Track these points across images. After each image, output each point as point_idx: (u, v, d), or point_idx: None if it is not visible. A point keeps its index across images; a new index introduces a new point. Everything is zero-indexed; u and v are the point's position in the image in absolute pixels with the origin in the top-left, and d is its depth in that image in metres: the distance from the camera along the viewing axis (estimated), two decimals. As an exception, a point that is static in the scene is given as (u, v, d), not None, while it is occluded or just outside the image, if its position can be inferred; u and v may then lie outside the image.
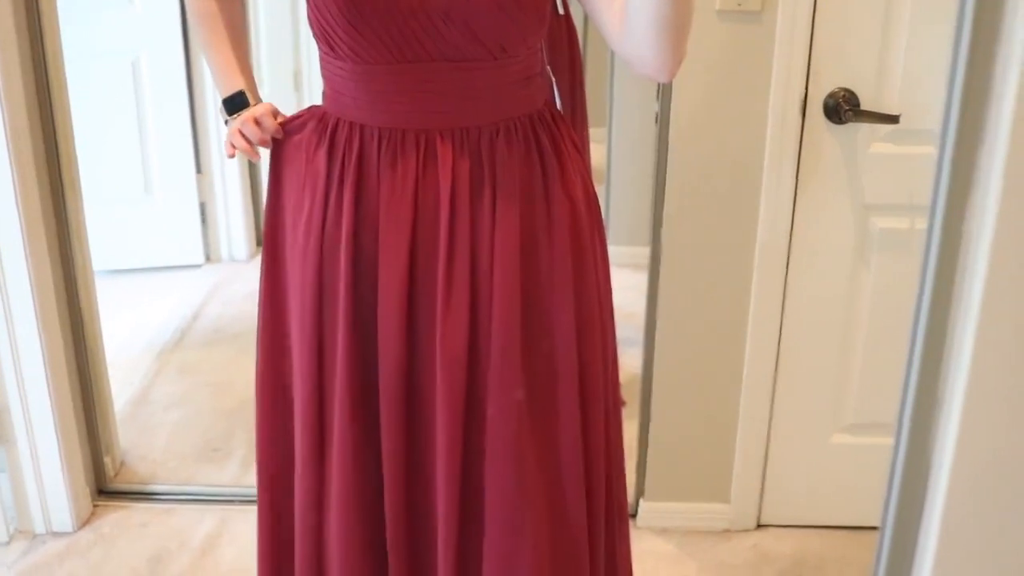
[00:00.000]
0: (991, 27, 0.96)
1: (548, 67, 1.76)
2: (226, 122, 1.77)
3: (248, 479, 2.82)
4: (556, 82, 1.93)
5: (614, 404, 1.84)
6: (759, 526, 2.69)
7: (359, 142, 1.62)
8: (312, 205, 1.65)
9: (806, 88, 2.31)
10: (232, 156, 1.77)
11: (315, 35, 1.62)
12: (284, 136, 1.73)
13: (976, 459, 1.05)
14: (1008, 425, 1.06)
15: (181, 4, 4.04)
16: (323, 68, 1.66)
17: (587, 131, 3.13)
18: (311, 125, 1.69)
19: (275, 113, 1.75)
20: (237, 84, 1.77)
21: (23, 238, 2.41)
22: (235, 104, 1.76)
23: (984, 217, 0.96)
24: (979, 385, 1.02)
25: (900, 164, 2.35)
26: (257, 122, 1.72)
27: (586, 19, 2.57)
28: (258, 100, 1.79)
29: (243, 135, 1.73)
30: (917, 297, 1.06)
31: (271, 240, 1.77)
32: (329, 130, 1.65)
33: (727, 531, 2.68)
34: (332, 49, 1.59)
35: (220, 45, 1.77)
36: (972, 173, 0.97)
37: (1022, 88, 0.93)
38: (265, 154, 1.78)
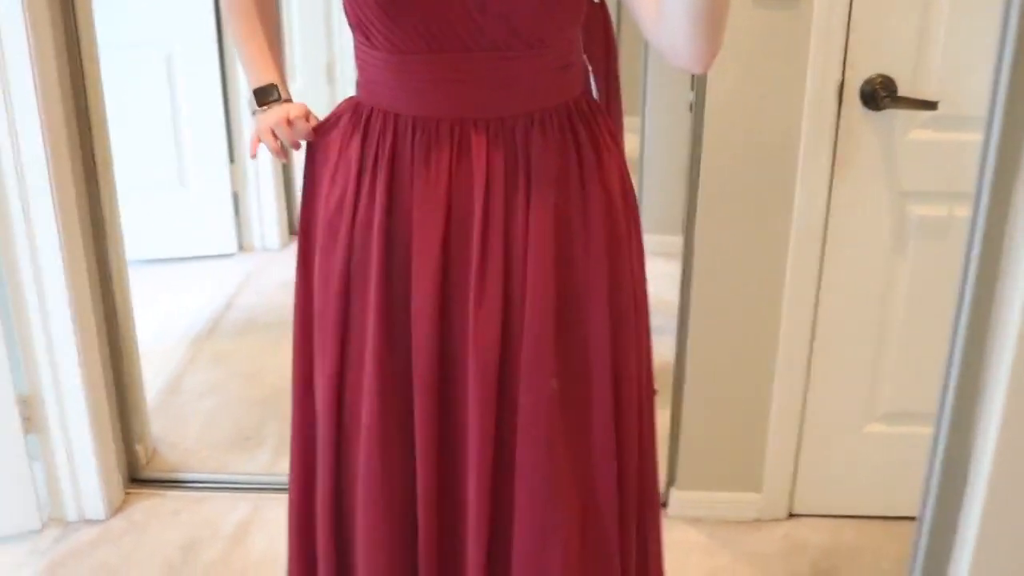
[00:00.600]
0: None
1: (584, 56, 1.74)
2: (253, 113, 1.76)
3: (279, 467, 2.82)
4: (592, 71, 1.91)
5: (647, 394, 1.82)
6: (791, 515, 2.67)
7: (393, 132, 1.60)
8: (344, 193, 1.64)
9: (842, 74, 2.28)
10: (254, 156, 1.75)
11: (351, 24, 1.60)
12: (319, 135, 1.71)
13: (1018, 449, 1.03)
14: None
15: (214, -6, 4.06)
16: (357, 58, 1.65)
17: (622, 120, 3.11)
18: (346, 117, 1.68)
19: (308, 116, 1.73)
20: (269, 76, 1.75)
21: (57, 228, 2.43)
22: (266, 95, 1.74)
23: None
24: (1022, 375, 1.00)
25: (938, 151, 2.32)
26: (290, 123, 1.71)
27: (620, 7, 2.55)
28: (288, 96, 1.77)
29: (274, 135, 1.72)
30: (959, 285, 1.04)
31: (305, 235, 1.76)
32: (363, 120, 1.64)
33: (758, 520, 2.66)
34: (368, 39, 1.58)
35: (253, 38, 1.76)
36: (1019, 160, 0.95)
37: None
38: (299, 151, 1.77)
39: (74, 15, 2.45)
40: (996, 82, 0.95)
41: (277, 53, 1.79)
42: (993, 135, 0.96)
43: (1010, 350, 1.00)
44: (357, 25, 1.58)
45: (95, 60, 2.56)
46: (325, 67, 4.65)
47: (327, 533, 1.77)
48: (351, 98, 1.70)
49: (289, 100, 1.76)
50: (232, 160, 4.32)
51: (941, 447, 1.09)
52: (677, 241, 2.52)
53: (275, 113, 1.72)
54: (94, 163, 2.56)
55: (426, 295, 1.61)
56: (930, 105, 2.24)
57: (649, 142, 3.97)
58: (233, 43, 1.83)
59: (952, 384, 1.07)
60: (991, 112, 0.96)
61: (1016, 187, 0.96)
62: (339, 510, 1.76)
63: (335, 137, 1.68)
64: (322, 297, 1.70)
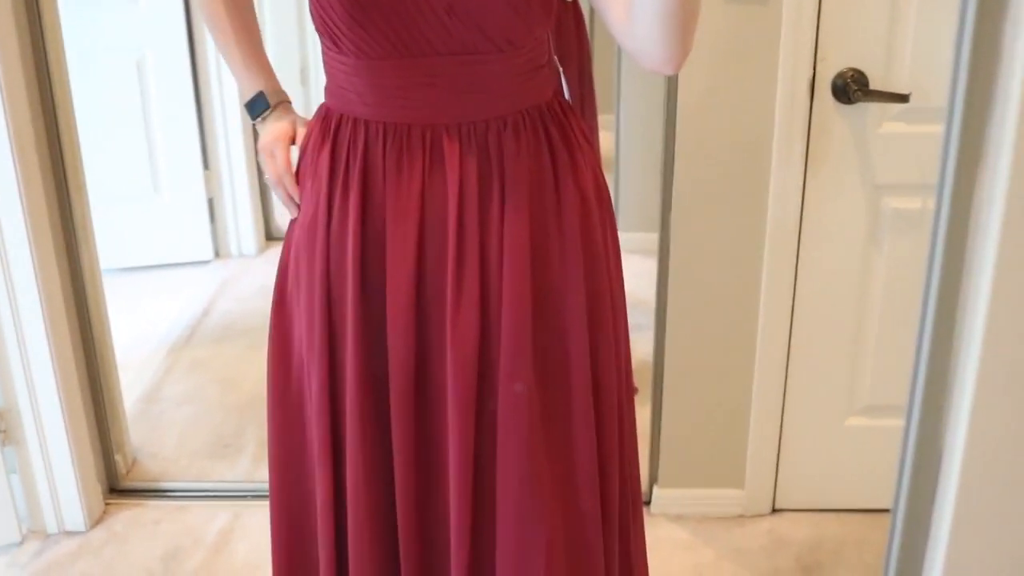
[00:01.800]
0: (996, 6, 0.94)
1: (555, 57, 1.73)
2: (255, 127, 1.75)
3: (260, 474, 2.81)
4: (564, 71, 1.90)
5: (627, 393, 1.82)
6: (774, 511, 2.68)
7: (364, 139, 1.59)
8: (317, 205, 1.63)
9: (814, 69, 2.28)
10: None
11: (318, 30, 1.59)
12: (300, 159, 1.70)
13: (988, 440, 1.03)
14: (1020, 405, 1.04)
15: (185, 1, 4.04)
16: (326, 64, 1.63)
17: (596, 119, 3.11)
18: (316, 128, 1.66)
19: (290, 137, 1.72)
20: (255, 85, 1.74)
21: (29, 239, 2.41)
22: (256, 108, 1.74)
23: (993, 195, 0.94)
24: (990, 365, 1.00)
25: (911, 143, 2.33)
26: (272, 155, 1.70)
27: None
28: (280, 97, 1.76)
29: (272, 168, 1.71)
30: (926, 278, 1.04)
31: (287, 248, 1.75)
32: (332, 128, 1.62)
33: (742, 516, 2.66)
34: (335, 44, 1.56)
35: (232, 46, 1.74)
36: (980, 151, 0.95)
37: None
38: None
39: (40, 21, 2.43)
40: (956, 73, 0.95)
41: (259, 54, 1.77)
42: (954, 126, 0.96)
43: (977, 340, 1.00)
44: (324, 31, 1.56)
45: (63, 67, 2.54)
46: (299, 71, 4.64)
47: (328, 540, 1.75)
48: (320, 106, 1.68)
49: (282, 102, 1.76)
50: (206, 166, 4.30)
51: (912, 439, 1.10)
52: (654, 238, 2.52)
53: (269, 132, 1.72)
54: (64, 172, 2.54)
55: (402, 304, 1.60)
56: (902, 98, 2.25)
57: (624, 139, 3.97)
58: (218, 52, 1.82)
59: (921, 377, 1.08)
60: (951, 103, 0.96)
61: (979, 178, 0.96)
62: (339, 517, 1.74)
63: (306, 150, 1.67)
64: (306, 307, 1.68)
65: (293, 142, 1.72)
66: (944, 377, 1.10)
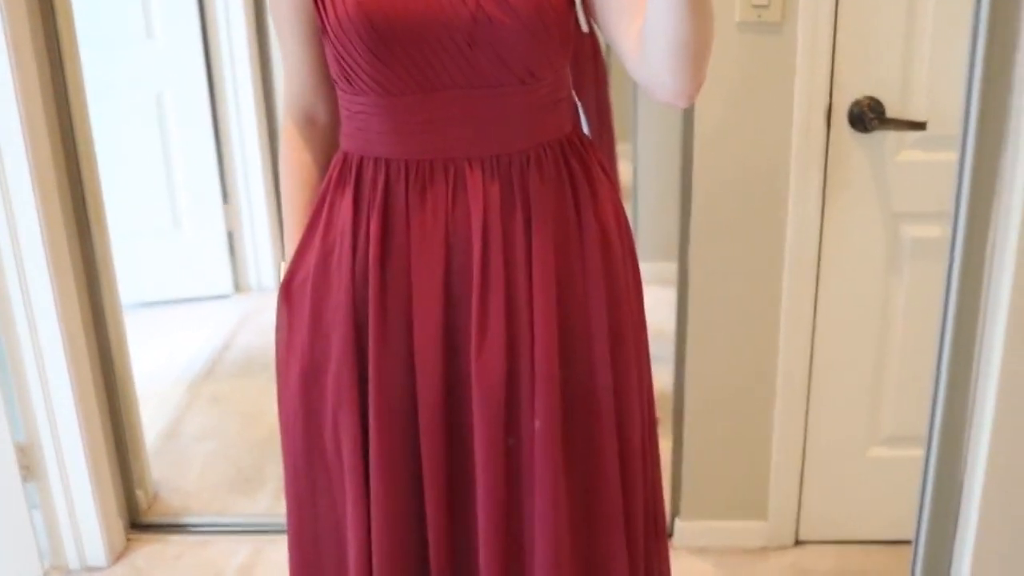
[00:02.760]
0: (1007, 34, 0.94)
1: (573, 91, 1.73)
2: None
3: (281, 508, 2.78)
4: (582, 102, 1.90)
5: (650, 425, 1.81)
6: (797, 543, 2.66)
7: (384, 177, 1.58)
8: (339, 241, 1.61)
9: (830, 98, 2.28)
10: None
11: (333, 73, 1.59)
12: (318, 204, 1.68)
13: (1008, 469, 1.02)
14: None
15: (203, 36, 4.07)
16: (342, 107, 1.62)
17: (615, 150, 3.11)
18: (334, 173, 1.64)
19: None
20: None
21: (50, 274, 2.42)
22: None
23: (1008, 223, 0.93)
24: (1009, 395, 1.00)
25: (929, 171, 2.32)
26: None
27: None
28: None
29: None
30: (942, 309, 1.04)
31: (287, 294, 1.73)
32: (354, 169, 1.61)
33: (765, 548, 2.64)
34: (352, 84, 1.55)
35: (301, 207, 1.73)
36: (994, 181, 0.95)
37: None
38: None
39: (60, 59, 2.46)
40: (968, 101, 0.95)
41: None
42: (967, 155, 0.96)
43: (996, 370, 0.99)
44: (340, 72, 1.56)
45: (84, 106, 2.57)
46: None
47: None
48: (337, 154, 1.67)
49: None
50: (226, 200, 4.32)
51: (932, 470, 1.09)
52: (672, 268, 2.51)
53: None
54: (85, 207, 2.56)
55: (430, 341, 1.58)
56: (919, 126, 2.24)
57: (642, 169, 3.97)
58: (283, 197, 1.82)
59: (940, 408, 1.07)
60: (964, 131, 0.96)
61: (994, 207, 0.96)
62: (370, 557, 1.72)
63: (323, 196, 1.66)
64: (337, 340, 1.64)
65: None
66: (963, 408, 1.10)
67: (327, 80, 1.65)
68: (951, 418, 1.12)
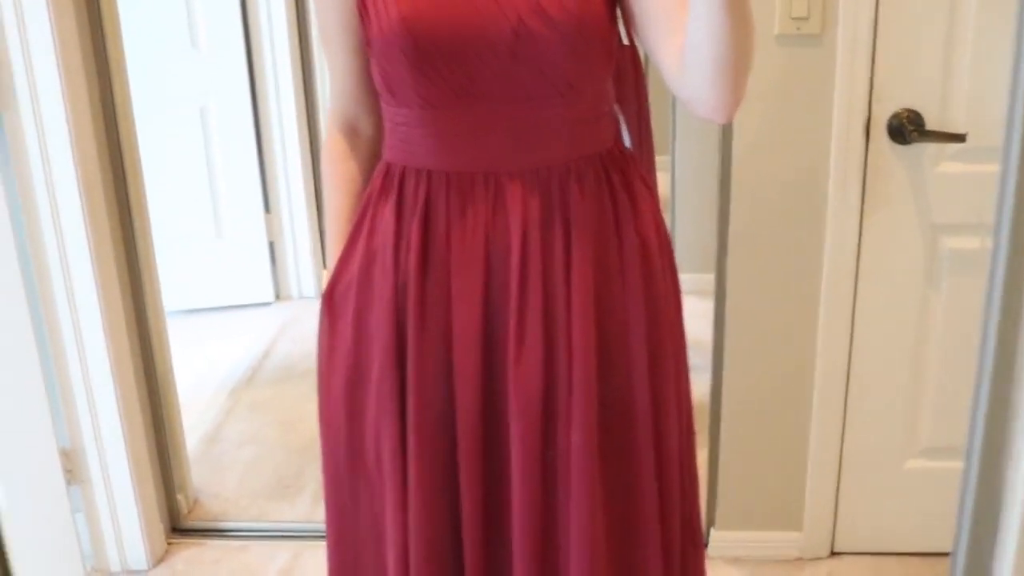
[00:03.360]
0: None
1: (615, 105, 1.74)
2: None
3: (319, 514, 2.82)
4: (623, 114, 1.91)
5: (688, 436, 1.81)
6: (833, 554, 2.65)
7: (426, 188, 1.59)
8: (383, 250, 1.63)
9: (869, 110, 2.28)
10: None
11: (377, 85, 1.60)
12: (361, 215, 1.71)
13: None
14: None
15: (247, 49, 4.13)
16: (386, 118, 1.63)
17: (654, 162, 3.11)
18: (376, 183, 1.66)
19: None
20: None
21: (95, 282, 2.46)
22: None
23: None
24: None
25: (969, 183, 2.32)
26: None
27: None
28: None
29: None
30: (983, 320, 1.04)
31: (330, 303, 1.75)
32: (397, 180, 1.62)
33: (800, 559, 2.63)
34: (395, 96, 1.57)
35: (344, 216, 1.75)
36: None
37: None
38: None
39: (109, 74, 2.50)
40: (1012, 111, 0.95)
41: None
42: (1011, 165, 0.96)
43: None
44: (384, 84, 1.57)
45: (130, 117, 2.61)
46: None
47: None
48: (380, 163, 1.68)
49: None
50: (268, 210, 4.37)
51: (972, 482, 1.09)
52: (710, 279, 2.52)
53: None
54: (130, 216, 2.60)
55: (469, 352, 1.59)
56: (958, 138, 2.24)
57: (680, 180, 3.98)
58: (325, 208, 1.84)
59: (981, 418, 1.07)
60: (1008, 140, 0.96)
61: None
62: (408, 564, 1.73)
63: (366, 206, 1.68)
64: (378, 344, 1.65)
65: None
66: (1004, 419, 1.09)
67: (371, 91, 1.67)
68: (992, 431, 1.12)
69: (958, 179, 2.32)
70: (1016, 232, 1.03)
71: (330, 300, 1.72)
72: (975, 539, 1.17)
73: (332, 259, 1.75)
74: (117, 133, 2.54)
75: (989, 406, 1.12)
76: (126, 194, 2.59)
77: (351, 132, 1.74)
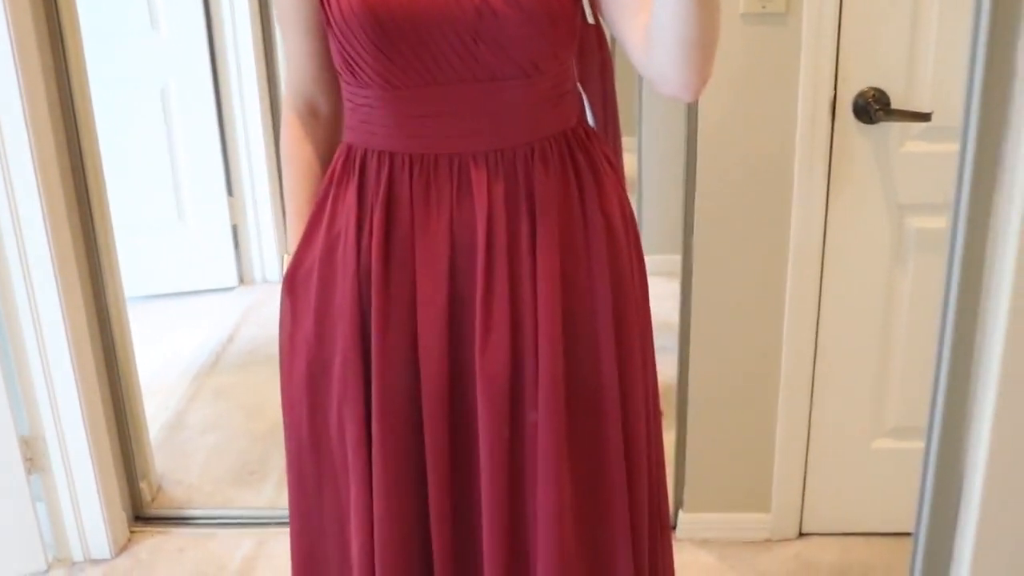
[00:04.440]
0: (1009, 24, 0.93)
1: (579, 83, 1.72)
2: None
3: (284, 501, 2.78)
4: (587, 94, 1.89)
5: (655, 418, 1.81)
6: (801, 535, 2.65)
7: (388, 170, 1.57)
8: (345, 236, 1.61)
9: (835, 89, 2.28)
10: None
11: (338, 65, 1.58)
12: (321, 197, 1.68)
13: (1010, 461, 1.02)
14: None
15: (208, 29, 4.07)
16: (346, 99, 1.61)
17: (620, 142, 3.10)
18: (338, 164, 1.63)
19: None
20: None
21: (54, 268, 2.42)
22: None
23: (1010, 215, 0.93)
24: (1010, 387, 0.99)
25: (934, 162, 2.32)
26: None
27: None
28: None
29: None
30: (943, 300, 1.03)
31: (291, 290, 1.72)
32: (358, 162, 1.60)
33: (768, 541, 2.64)
34: (356, 77, 1.55)
35: (304, 198, 1.73)
36: (995, 172, 0.94)
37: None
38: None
39: (64, 53, 2.45)
40: (969, 93, 0.94)
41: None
42: (969, 144, 0.95)
43: (996, 362, 0.99)
44: (345, 65, 1.55)
45: (87, 97, 2.57)
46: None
47: (363, 564, 1.73)
48: (340, 145, 1.66)
49: None
50: (230, 193, 4.32)
51: (932, 462, 1.08)
52: (677, 260, 2.51)
53: None
54: (89, 200, 2.56)
55: (434, 334, 1.58)
56: (924, 117, 2.23)
57: (646, 161, 3.97)
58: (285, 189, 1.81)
59: (940, 399, 1.06)
60: (966, 121, 0.95)
61: (995, 199, 0.95)
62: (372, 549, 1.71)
63: (327, 188, 1.65)
64: (341, 328, 1.63)
65: None
66: (963, 399, 1.09)
67: (329, 71, 1.65)
68: (952, 410, 1.11)
69: (924, 158, 2.32)
70: (973, 212, 1.03)
71: (291, 285, 1.70)
72: (936, 519, 1.17)
73: (293, 243, 1.73)
74: (74, 115, 2.50)
75: (948, 386, 1.12)
76: (84, 178, 2.54)
77: (309, 113, 1.71)
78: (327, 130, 1.73)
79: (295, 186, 1.74)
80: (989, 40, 0.92)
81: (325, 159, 1.72)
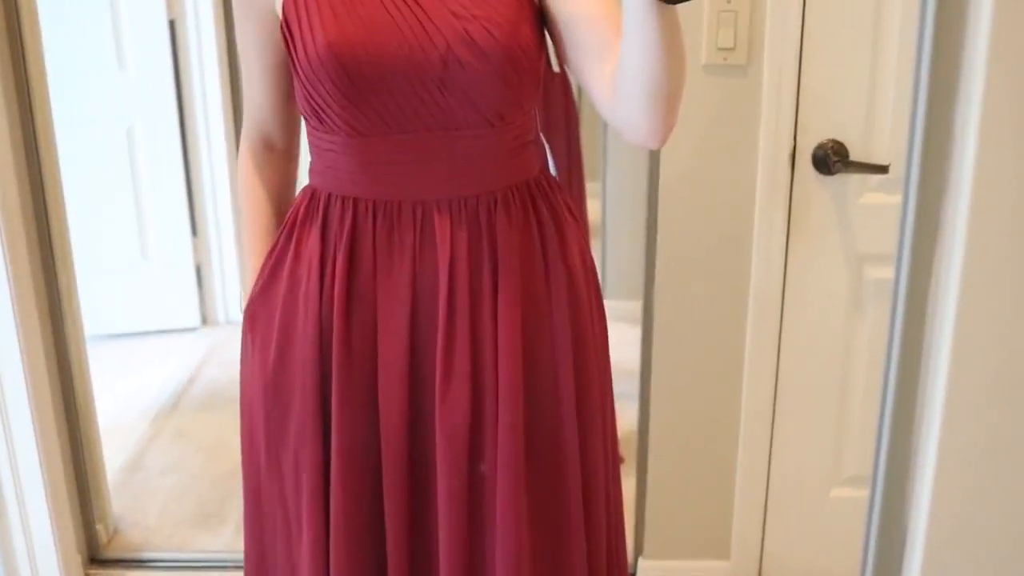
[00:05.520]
0: (948, 83, 0.96)
1: (541, 133, 1.74)
2: None
3: (243, 544, 2.78)
4: (551, 143, 1.91)
5: (613, 466, 1.81)
6: (761, 582, 2.66)
7: (352, 216, 1.58)
8: (307, 281, 1.61)
9: (794, 140, 2.30)
10: None
11: (303, 110, 1.59)
12: (280, 239, 1.69)
13: (952, 516, 1.03)
14: (981, 481, 1.04)
15: (175, 69, 4.07)
16: (312, 143, 1.62)
17: (584, 190, 3.12)
18: (301, 208, 1.64)
19: None
20: None
21: (13, 306, 2.40)
22: None
23: (950, 268, 0.95)
24: (951, 440, 1.01)
25: (892, 213, 2.33)
26: None
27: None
28: None
29: None
30: (886, 353, 1.05)
31: (251, 331, 1.72)
32: (321, 206, 1.61)
33: (728, 588, 2.64)
34: (322, 122, 1.55)
35: (259, 233, 1.74)
36: (936, 227, 0.96)
37: (981, 142, 0.92)
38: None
39: (28, 89, 2.44)
40: (910, 151, 0.97)
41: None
42: (910, 202, 0.97)
43: (937, 416, 1.00)
44: (310, 110, 1.55)
45: (51, 138, 2.55)
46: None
47: None
48: (305, 187, 1.67)
49: None
50: (195, 233, 4.31)
51: (876, 516, 1.09)
52: (639, 306, 2.52)
53: None
54: (50, 239, 2.54)
55: (394, 384, 1.58)
56: (881, 169, 2.27)
57: (611, 207, 3.99)
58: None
59: (884, 451, 1.08)
60: (908, 174, 0.98)
61: (936, 254, 0.97)
62: None
63: (289, 229, 1.66)
64: (299, 374, 1.63)
65: None
66: (907, 450, 1.10)
67: (287, 107, 1.67)
68: (895, 461, 1.13)
69: (881, 209, 2.35)
70: (915, 265, 1.05)
71: (251, 324, 1.70)
72: (881, 568, 1.18)
73: (249, 279, 1.73)
74: (38, 153, 2.49)
75: (892, 434, 1.13)
76: (46, 217, 2.53)
77: (265, 147, 1.73)
78: (283, 162, 1.75)
79: (252, 220, 1.76)
80: (929, 98, 0.95)
81: (280, 191, 1.75)
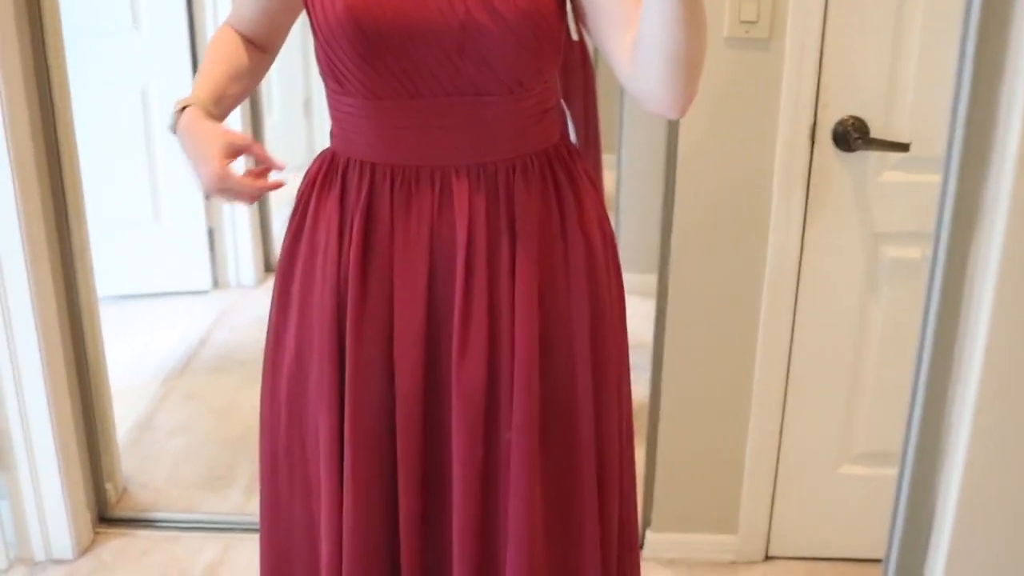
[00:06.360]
0: (995, 59, 0.94)
1: (562, 100, 1.73)
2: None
3: (251, 507, 2.79)
4: (569, 110, 1.90)
5: (628, 437, 1.81)
6: (767, 558, 2.66)
7: (369, 181, 1.58)
8: (327, 245, 1.61)
9: (815, 116, 2.29)
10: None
11: (323, 72, 1.58)
12: (299, 202, 1.67)
13: (983, 494, 1.02)
14: (1015, 459, 1.03)
15: (190, 29, 4.05)
16: (331, 107, 1.62)
17: (600, 159, 3.11)
18: (320, 172, 1.64)
19: (231, 149, 1.64)
20: (195, 98, 1.68)
21: (26, 265, 2.40)
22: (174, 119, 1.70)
23: (990, 249, 0.93)
24: (985, 418, 1.00)
25: (910, 192, 2.33)
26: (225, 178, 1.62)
27: (596, 49, 2.55)
28: (197, 112, 1.68)
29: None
30: (921, 330, 1.04)
31: (282, 299, 1.72)
32: (340, 170, 1.61)
33: (734, 563, 2.64)
34: (341, 85, 1.55)
35: (213, 64, 1.71)
36: (977, 205, 0.95)
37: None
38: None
39: (44, 51, 2.44)
40: (953, 126, 0.95)
41: (224, 86, 1.70)
42: (951, 180, 0.96)
43: (972, 393, 0.99)
44: (330, 72, 1.55)
45: (66, 97, 2.55)
46: (303, 102, 4.65)
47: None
48: (324, 151, 1.67)
49: (201, 118, 1.69)
50: (207, 196, 4.29)
51: (905, 491, 1.09)
52: (653, 280, 2.51)
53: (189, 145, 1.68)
54: (64, 200, 2.54)
55: (410, 347, 1.58)
56: (902, 147, 2.25)
57: (626, 180, 3.98)
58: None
59: (915, 428, 1.07)
60: (948, 153, 0.96)
61: (975, 232, 0.96)
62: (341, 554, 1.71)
63: (308, 193, 1.66)
64: (317, 333, 1.64)
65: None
66: (938, 426, 1.10)
67: (268, 30, 1.71)
68: (925, 438, 1.12)
69: (900, 188, 2.34)
70: (954, 243, 1.03)
71: (280, 289, 1.70)
72: (907, 545, 1.17)
73: (196, 86, 1.68)
74: (53, 113, 2.48)
75: (923, 414, 1.12)
76: (61, 176, 2.53)
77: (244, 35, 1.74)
78: (258, 48, 1.75)
79: (217, 47, 1.72)
80: (975, 73, 0.93)
81: (252, 57, 1.72)
